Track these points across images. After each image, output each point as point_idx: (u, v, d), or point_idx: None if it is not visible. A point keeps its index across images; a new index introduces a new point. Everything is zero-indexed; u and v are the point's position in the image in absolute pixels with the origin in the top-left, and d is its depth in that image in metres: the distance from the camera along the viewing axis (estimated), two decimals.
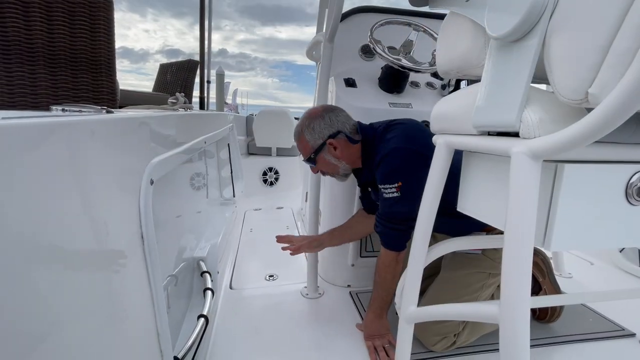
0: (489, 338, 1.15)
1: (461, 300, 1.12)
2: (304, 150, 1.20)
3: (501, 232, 1.09)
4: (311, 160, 1.19)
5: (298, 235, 1.40)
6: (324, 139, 1.14)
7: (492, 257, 1.13)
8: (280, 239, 1.36)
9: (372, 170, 1.13)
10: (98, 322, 0.51)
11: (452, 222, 0.90)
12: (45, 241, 0.41)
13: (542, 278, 1.28)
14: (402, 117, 1.22)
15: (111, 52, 1.67)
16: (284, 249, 1.35)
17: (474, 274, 1.14)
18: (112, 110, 0.72)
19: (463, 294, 1.13)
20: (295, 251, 1.33)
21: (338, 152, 1.15)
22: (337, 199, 1.48)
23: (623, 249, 1.72)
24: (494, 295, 1.20)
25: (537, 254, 1.29)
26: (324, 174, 1.26)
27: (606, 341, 1.17)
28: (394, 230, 1.06)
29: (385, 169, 1.04)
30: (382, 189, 1.04)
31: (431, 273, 1.18)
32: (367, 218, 1.32)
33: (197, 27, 3.40)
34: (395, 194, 1.01)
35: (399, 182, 1.01)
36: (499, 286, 1.22)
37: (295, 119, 3.90)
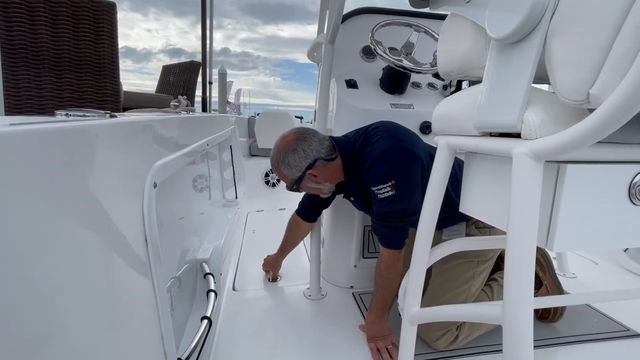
0: (492, 339, 1.15)
1: (456, 291, 1.14)
2: (285, 180, 1.20)
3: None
4: (294, 189, 1.20)
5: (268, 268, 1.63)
6: (302, 171, 1.13)
7: None
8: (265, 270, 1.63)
9: (359, 179, 1.14)
10: (102, 324, 0.52)
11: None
12: (50, 244, 0.42)
13: (543, 273, 1.28)
14: (400, 119, 1.24)
15: (114, 55, 1.69)
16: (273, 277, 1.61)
17: (464, 263, 1.15)
18: (116, 114, 0.72)
19: (457, 284, 1.14)
20: (274, 271, 1.61)
21: (319, 177, 1.14)
22: (337, 199, 1.48)
23: (627, 248, 1.71)
24: (493, 289, 1.21)
25: (537, 249, 1.30)
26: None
27: (611, 341, 1.16)
28: (394, 229, 1.06)
29: (377, 171, 1.04)
30: (375, 191, 1.05)
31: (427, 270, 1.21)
32: (302, 224, 1.44)
33: (199, 26, 3.42)
34: (390, 193, 1.02)
35: (393, 181, 1.02)
36: (495, 279, 1.24)
37: (298, 117, 3.89)
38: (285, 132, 1.19)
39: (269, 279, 1.59)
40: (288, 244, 1.56)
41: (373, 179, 1.05)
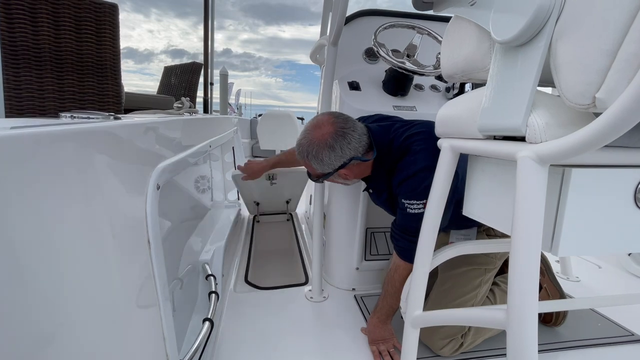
0: (496, 343, 1.14)
1: (463, 298, 1.13)
2: (310, 171, 1.13)
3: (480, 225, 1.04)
4: (317, 182, 1.14)
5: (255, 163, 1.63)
6: (334, 169, 1.06)
7: (486, 253, 1.13)
8: (240, 168, 1.63)
9: (387, 179, 1.10)
10: (105, 326, 0.52)
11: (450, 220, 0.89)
12: (55, 246, 0.42)
13: (542, 276, 1.27)
14: (410, 119, 1.19)
15: (116, 56, 1.70)
16: (243, 178, 1.63)
17: (471, 270, 1.14)
18: (120, 116, 0.72)
19: (463, 292, 1.13)
20: (250, 177, 1.61)
21: (349, 175, 1.10)
22: (341, 202, 1.48)
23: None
24: (496, 294, 1.21)
25: None
26: None
27: (615, 346, 1.16)
28: (416, 244, 1.05)
29: (414, 186, 1.01)
30: (406, 204, 1.01)
31: (431, 274, 1.20)
32: None
33: (201, 27, 3.43)
34: (422, 210, 0.99)
35: (427, 200, 1.00)
36: (496, 284, 1.23)
37: (299, 119, 3.88)
38: (321, 118, 1.06)
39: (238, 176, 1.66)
40: (282, 163, 1.58)
41: (406, 192, 1.02)
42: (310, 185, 2.31)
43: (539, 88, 0.53)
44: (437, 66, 1.42)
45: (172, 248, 1.00)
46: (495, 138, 0.59)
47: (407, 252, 1.07)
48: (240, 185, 1.96)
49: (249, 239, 2.08)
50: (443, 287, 1.17)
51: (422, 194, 0.98)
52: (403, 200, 1.02)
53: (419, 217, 0.99)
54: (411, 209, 1.01)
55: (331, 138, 1.01)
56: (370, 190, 1.24)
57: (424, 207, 0.97)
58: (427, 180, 0.98)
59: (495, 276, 1.28)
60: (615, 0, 0.40)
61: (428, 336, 1.09)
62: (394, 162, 1.08)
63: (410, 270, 1.06)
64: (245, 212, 2.54)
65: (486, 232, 1.16)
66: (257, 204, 2.29)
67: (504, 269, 1.33)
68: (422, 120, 1.14)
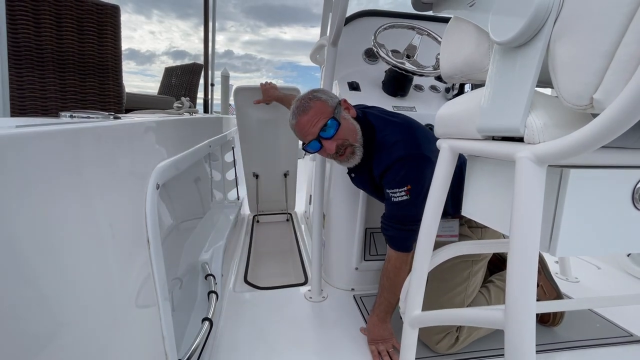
0: (493, 342, 1.14)
1: (454, 292, 1.14)
2: (322, 111, 1.05)
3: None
4: (335, 120, 1.05)
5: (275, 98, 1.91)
6: (337, 100, 1.11)
7: None
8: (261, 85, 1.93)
9: (367, 164, 1.14)
10: (104, 325, 0.52)
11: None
12: (55, 244, 0.42)
13: (538, 274, 1.27)
14: (389, 112, 1.23)
15: (118, 57, 1.70)
16: (256, 102, 1.95)
17: (458, 263, 1.14)
18: (119, 115, 0.73)
19: (453, 285, 1.14)
20: (262, 100, 1.93)
21: (351, 112, 1.12)
22: (341, 202, 1.48)
23: (630, 253, 1.70)
24: (491, 291, 1.21)
25: None
26: (338, 152, 1.08)
27: (613, 347, 1.15)
28: (406, 232, 1.07)
29: (394, 175, 1.05)
30: (390, 193, 1.06)
31: None
32: None
33: (202, 29, 3.45)
34: (405, 197, 1.04)
35: (408, 186, 1.03)
36: (492, 281, 1.23)
37: None
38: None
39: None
40: (285, 103, 1.81)
41: (388, 183, 1.07)
42: (310, 185, 2.32)
43: (538, 89, 0.53)
44: (436, 67, 1.42)
45: (172, 247, 1.00)
46: (494, 138, 0.59)
47: (396, 240, 1.10)
48: (239, 105, 2.10)
49: (249, 238, 2.08)
50: (432, 282, 1.17)
51: (401, 182, 1.05)
52: (387, 191, 1.08)
53: (404, 204, 1.05)
54: (395, 197, 1.06)
55: (313, 90, 1.14)
56: (353, 174, 1.27)
57: (407, 194, 1.04)
58: (402, 169, 1.06)
59: (493, 273, 1.28)
60: (612, 2, 0.41)
61: (424, 332, 1.09)
62: (374, 152, 1.12)
63: (403, 260, 1.09)
64: (245, 212, 2.55)
65: (467, 223, 1.18)
66: (257, 176, 2.36)
67: (501, 267, 1.33)
68: (398, 116, 1.20)
